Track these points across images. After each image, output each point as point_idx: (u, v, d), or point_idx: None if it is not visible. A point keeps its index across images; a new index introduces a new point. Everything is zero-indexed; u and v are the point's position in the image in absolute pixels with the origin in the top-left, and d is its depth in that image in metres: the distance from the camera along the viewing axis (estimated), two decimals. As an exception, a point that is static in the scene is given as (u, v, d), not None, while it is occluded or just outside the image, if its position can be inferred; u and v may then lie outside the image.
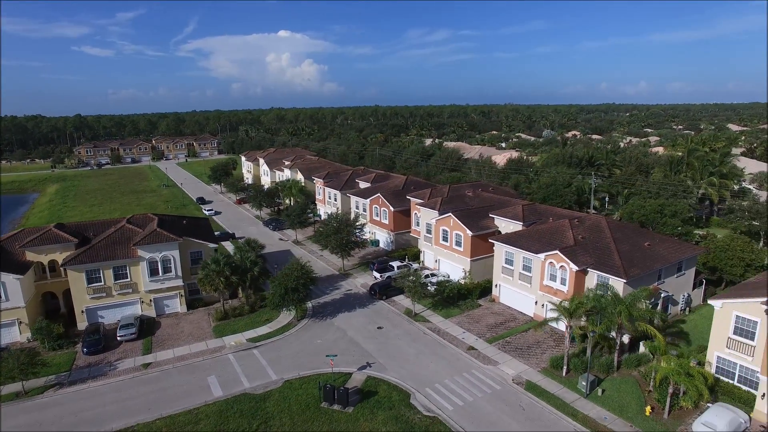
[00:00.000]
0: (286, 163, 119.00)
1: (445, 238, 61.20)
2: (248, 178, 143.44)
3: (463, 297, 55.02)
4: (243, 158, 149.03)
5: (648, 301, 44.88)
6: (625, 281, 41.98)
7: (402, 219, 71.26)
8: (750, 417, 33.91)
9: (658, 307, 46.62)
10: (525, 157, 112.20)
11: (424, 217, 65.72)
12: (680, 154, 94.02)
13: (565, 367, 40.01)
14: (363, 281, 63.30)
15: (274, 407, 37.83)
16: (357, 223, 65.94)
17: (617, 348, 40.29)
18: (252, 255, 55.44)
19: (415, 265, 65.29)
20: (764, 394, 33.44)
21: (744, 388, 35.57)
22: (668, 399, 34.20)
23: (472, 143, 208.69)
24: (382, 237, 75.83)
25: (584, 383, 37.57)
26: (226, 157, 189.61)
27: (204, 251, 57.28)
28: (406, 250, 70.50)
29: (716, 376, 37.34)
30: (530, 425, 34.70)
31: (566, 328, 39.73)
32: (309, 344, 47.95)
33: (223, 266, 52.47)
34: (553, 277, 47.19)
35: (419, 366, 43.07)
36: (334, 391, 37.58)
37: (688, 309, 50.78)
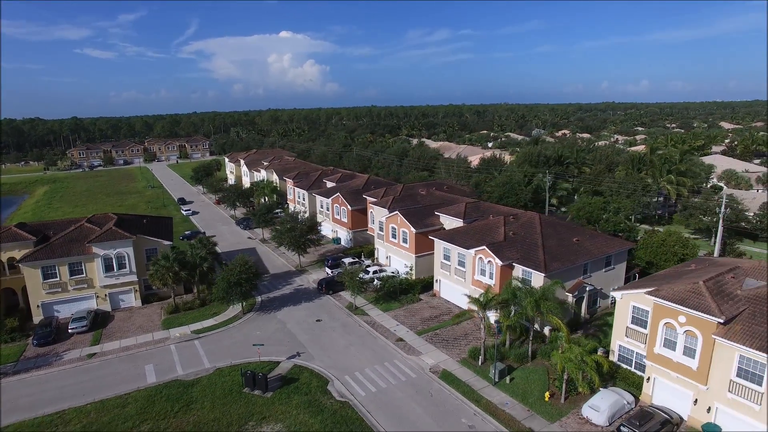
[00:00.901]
0: (265, 163, 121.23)
1: (394, 236, 63.20)
2: (231, 179, 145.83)
3: (405, 292, 56.97)
4: (226, 159, 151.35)
5: (572, 294, 46.90)
6: (544, 275, 43.79)
7: (359, 217, 73.28)
8: (638, 399, 35.80)
9: (584, 301, 48.43)
10: (498, 156, 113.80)
11: (377, 215, 67.74)
12: (642, 152, 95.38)
13: (481, 357, 41.90)
14: (316, 277, 65.38)
15: (199, 392, 40.04)
16: (312, 222, 67.92)
17: (530, 339, 42.08)
18: (202, 252, 57.58)
19: (368, 262, 67.34)
20: (649, 377, 35.24)
21: (639, 373, 37.42)
22: (564, 385, 36.04)
23: (459, 143, 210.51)
24: (343, 235, 77.89)
25: (494, 371, 39.45)
26: (211, 158, 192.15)
27: (159, 248, 59.47)
28: (363, 247, 72.51)
29: (617, 363, 39.22)
30: (433, 410, 36.66)
31: (481, 320, 41.61)
32: (249, 335, 50.13)
33: (173, 262, 54.79)
34: (482, 272, 49.09)
35: (346, 356, 45.16)
36: (254, 377, 39.75)
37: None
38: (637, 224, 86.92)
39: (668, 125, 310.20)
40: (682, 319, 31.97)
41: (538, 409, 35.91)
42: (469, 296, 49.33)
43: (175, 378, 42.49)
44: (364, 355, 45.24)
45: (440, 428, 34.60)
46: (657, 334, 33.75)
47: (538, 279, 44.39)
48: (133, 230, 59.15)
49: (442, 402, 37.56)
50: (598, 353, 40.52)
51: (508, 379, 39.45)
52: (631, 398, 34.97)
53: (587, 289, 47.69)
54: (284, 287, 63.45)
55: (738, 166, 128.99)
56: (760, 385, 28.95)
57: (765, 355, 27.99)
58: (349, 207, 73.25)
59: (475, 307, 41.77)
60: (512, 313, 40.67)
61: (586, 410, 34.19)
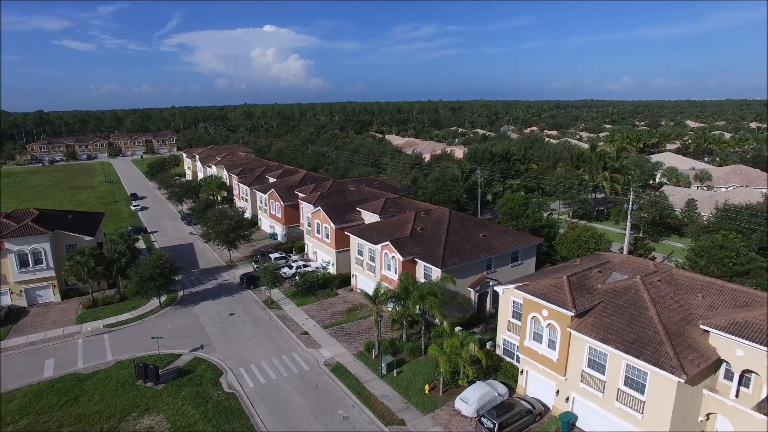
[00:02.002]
0: (218, 159, 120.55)
1: (318, 231, 63.65)
2: (189, 174, 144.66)
3: (324, 286, 57.49)
4: (184, 155, 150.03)
5: (474, 290, 47.90)
6: (441, 270, 44.62)
7: (293, 213, 73.57)
8: (514, 391, 36.91)
9: (488, 296, 49.46)
10: (449, 152, 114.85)
11: (305, 210, 68.07)
12: (582, 150, 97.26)
13: (374, 350, 42.61)
14: (243, 272, 65.50)
15: (92, 386, 40.14)
16: (239, 217, 67.96)
17: (422, 332, 42.91)
18: (121, 247, 57.28)
19: (295, 257, 67.70)
20: (523, 370, 36.32)
21: (518, 366, 38.45)
22: (441, 378, 36.92)
23: (426, 139, 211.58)
24: (279, 230, 78.06)
25: (383, 365, 40.19)
26: (168, 154, 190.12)
27: (80, 244, 58.98)
28: (296, 243, 72.82)
29: (502, 356, 40.25)
30: (315, 402, 37.30)
31: (374, 314, 42.29)
32: (160, 329, 50.20)
33: (88, 257, 54.45)
34: (388, 267, 49.83)
35: (247, 348, 45.62)
36: (146, 369, 39.97)
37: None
38: (576, 220, 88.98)
39: (637, 123, 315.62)
40: (545, 312, 33.03)
41: (415, 401, 36.74)
42: (364, 292, 50.46)
43: (72, 372, 42.45)
44: (265, 347, 45.72)
45: (316, 419, 35.26)
46: (527, 327, 34.79)
47: (437, 274, 45.24)
48: (51, 226, 58.67)
49: (326, 394, 38.20)
50: (487, 346, 41.75)
51: (395, 372, 40.22)
52: (504, 390, 36.00)
53: (491, 284, 48.67)
54: (209, 282, 63.51)
55: (686, 163, 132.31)
56: (604, 374, 30.10)
57: (605, 346, 29.12)
58: (281, 203, 73.46)
59: (365, 301, 42.37)
60: (402, 307, 41.36)
61: (458, 402, 35.12)
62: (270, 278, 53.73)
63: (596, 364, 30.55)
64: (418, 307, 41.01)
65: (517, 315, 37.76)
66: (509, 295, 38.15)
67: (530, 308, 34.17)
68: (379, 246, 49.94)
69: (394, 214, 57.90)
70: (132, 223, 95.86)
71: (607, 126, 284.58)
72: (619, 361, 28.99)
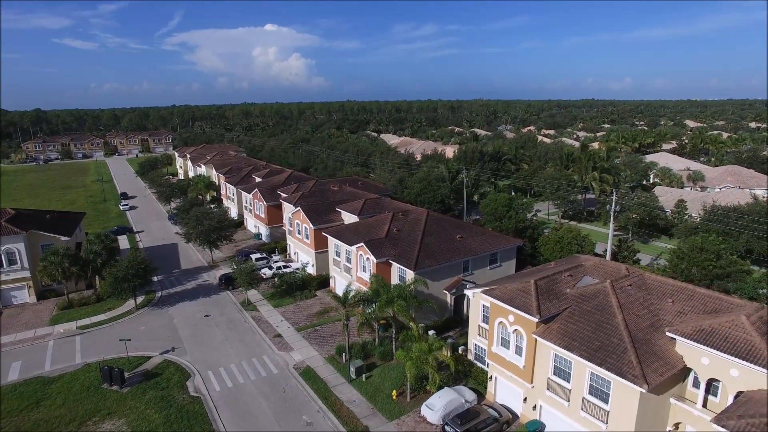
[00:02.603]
0: (208, 158, 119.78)
1: (299, 231, 62.81)
2: (181, 173, 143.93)
3: (302, 288, 56.64)
4: (176, 154, 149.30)
5: (450, 292, 46.98)
6: (414, 272, 43.72)
7: (276, 213, 72.74)
8: (484, 397, 36.00)
9: (465, 299, 48.46)
10: (440, 151, 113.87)
11: (286, 210, 67.23)
12: (572, 149, 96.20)
13: (345, 354, 41.73)
14: (224, 272, 64.69)
15: (56, 389, 39.36)
16: (220, 217, 67.17)
17: (393, 336, 42.00)
18: (97, 247, 56.48)
19: (277, 257, 66.87)
20: (491, 376, 35.42)
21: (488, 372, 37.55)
22: (408, 384, 36.02)
23: (422, 138, 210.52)
24: (263, 230, 77.24)
25: (352, 369, 39.33)
26: (160, 153, 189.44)
27: (56, 244, 58.19)
28: (278, 243, 72.01)
29: (474, 361, 39.35)
30: (280, 406, 36.47)
31: (343, 317, 41.40)
32: (133, 331, 49.40)
33: (62, 258, 53.67)
34: (363, 268, 48.97)
35: (218, 351, 44.81)
36: (110, 372, 39.17)
37: (507, 298, 52.75)
38: (566, 221, 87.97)
39: (636, 123, 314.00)
40: (511, 318, 32.13)
41: (382, 407, 35.88)
42: (334, 295, 49.56)
43: (38, 375, 41.69)
44: (236, 350, 44.90)
45: (279, 424, 34.44)
46: (494, 332, 33.90)
47: (410, 276, 44.35)
48: (27, 226, 57.96)
49: (292, 399, 37.37)
50: (459, 351, 40.87)
51: (364, 376, 39.36)
52: (472, 397, 35.12)
53: (467, 286, 47.62)
54: (189, 282, 62.71)
55: (681, 164, 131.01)
56: (569, 382, 29.20)
57: (570, 353, 28.21)
58: (264, 203, 72.64)
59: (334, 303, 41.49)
60: (372, 310, 40.47)
61: (424, 409, 34.26)
62: (246, 279, 52.92)
63: (562, 371, 29.65)
64: (389, 310, 40.06)
65: (487, 319, 36.83)
66: (479, 299, 37.25)
67: (497, 313, 33.27)
68: (354, 247, 49.10)
69: (373, 215, 57.01)
70: (119, 223, 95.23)
71: (606, 125, 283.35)
72: (583, 369, 28.09)
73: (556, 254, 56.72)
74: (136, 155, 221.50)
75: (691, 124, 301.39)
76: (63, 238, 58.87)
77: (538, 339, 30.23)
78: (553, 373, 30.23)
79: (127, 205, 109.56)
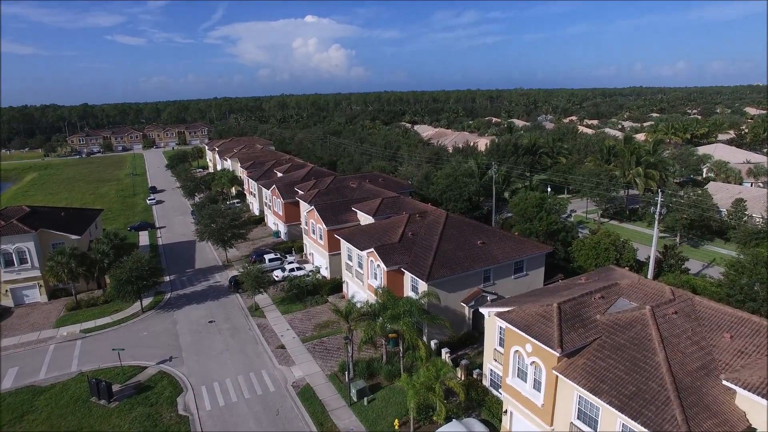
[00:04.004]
0: (235, 150, 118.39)
1: (313, 231, 59.38)
2: (210, 167, 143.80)
3: (313, 293, 53.23)
4: (206, 147, 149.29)
5: (468, 305, 42.33)
6: (427, 283, 39.31)
7: (293, 210, 69.57)
8: (497, 431, 31.39)
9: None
10: (473, 144, 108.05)
11: (302, 208, 63.91)
12: (613, 142, 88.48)
13: (348, 373, 37.83)
14: (235, 274, 62.13)
15: (44, 401, 37.52)
16: (235, 215, 64.59)
17: (401, 355, 37.78)
18: (105, 246, 54.83)
19: (291, 258, 63.73)
20: (506, 410, 30.72)
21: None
22: (411, 413, 31.77)
23: (458, 129, 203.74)
24: (281, 228, 74.39)
25: (353, 391, 35.52)
26: (192, 146, 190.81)
27: (66, 242, 57.08)
28: (296, 242, 68.89)
29: (489, 388, 34.72)
30: (270, 430, 33.05)
31: (347, 331, 37.51)
32: (134, 336, 47.45)
33: (69, 258, 52.25)
34: (375, 276, 44.91)
35: (216, 362, 42.02)
36: (98, 386, 36.91)
37: (535, 310, 47.53)
38: (606, 220, 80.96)
39: (689, 111, 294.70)
40: (528, 347, 27.34)
41: (382, 437, 31.90)
42: (367, 302, 45.81)
43: (31, 384, 40.02)
44: (234, 362, 41.92)
45: (266, 456, 31.04)
46: (510, 361, 29.17)
47: (422, 289, 39.96)
48: (39, 224, 57.05)
49: (284, 423, 33.93)
50: (474, 375, 36.31)
51: (366, 399, 35.45)
52: (483, 431, 30.54)
53: (488, 298, 42.87)
54: (200, 283, 60.51)
55: (740, 156, 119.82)
56: (595, 431, 24.24)
57: (596, 397, 23.25)
58: (281, 199, 69.61)
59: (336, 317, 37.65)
60: (378, 324, 36.33)
61: (428, 443, 30.01)
62: (252, 284, 49.90)
63: (587, 417, 24.71)
64: (396, 326, 35.86)
65: (503, 343, 32.07)
66: (494, 320, 32.49)
67: (513, 340, 28.51)
68: (365, 252, 45.07)
69: (389, 216, 52.76)
70: (144, 218, 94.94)
71: (654, 115, 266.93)
72: (613, 418, 23.07)
73: (592, 261, 50.93)
74: (173, 148, 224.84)
75: (752, 111, 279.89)
76: (73, 236, 57.65)
77: (560, 376, 25.35)
78: (577, 417, 25.31)
79: (154, 199, 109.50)
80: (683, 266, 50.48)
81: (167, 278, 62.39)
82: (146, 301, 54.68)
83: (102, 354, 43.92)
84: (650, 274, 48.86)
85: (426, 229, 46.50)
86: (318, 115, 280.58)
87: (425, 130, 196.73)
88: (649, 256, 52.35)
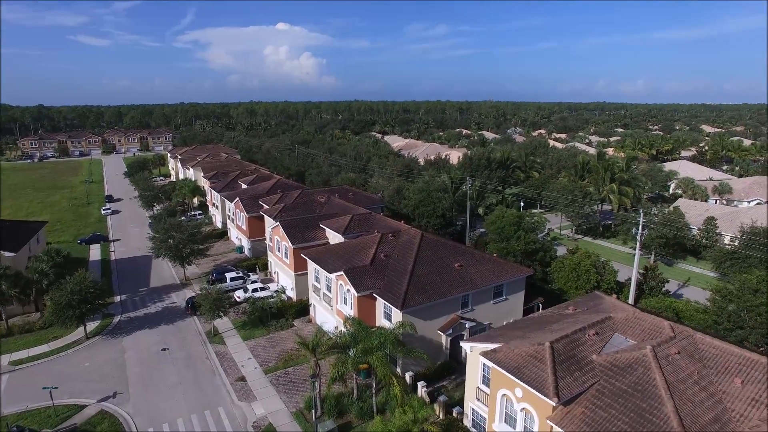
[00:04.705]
0: (198, 159, 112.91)
1: (278, 249, 55.48)
2: (173, 175, 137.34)
3: (277, 316, 49.28)
4: (168, 155, 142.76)
5: (446, 333, 39.33)
6: (401, 311, 36.13)
7: (258, 225, 65.41)
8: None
9: (465, 338, 40.85)
10: (444, 157, 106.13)
11: (267, 224, 59.94)
12: (587, 158, 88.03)
13: (314, 411, 34.21)
14: (192, 294, 57.47)
15: (-42, 453, 32.18)
16: (194, 230, 59.97)
17: (373, 391, 34.41)
18: (44, 265, 49.45)
19: (255, 277, 59.51)
20: (491, 456, 27.72)
21: (488, 446, 29.86)
22: (385, 457, 28.45)
23: (428, 141, 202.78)
24: (245, 243, 69.99)
25: (321, 432, 31.89)
26: (153, 153, 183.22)
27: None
28: (260, 259, 64.65)
29: (471, 429, 31.68)
30: (224, 487, 29.07)
31: (313, 366, 33.86)
32: (74, 368, 42.32)
33: (0, 278, 46.74)
34: (344, 301, 41.47)
35: (168, 399, 37.53)
36: (19, 434, 32.01)
37: (514, 336, 44.99)
38: (579, 236, 79.95)
39: (650, 127, 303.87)
40: (518, 392, 24.51)
41: (353, 490, 28.37)
42: (336, 327, 42.39)
43: (-57, 430, 34.59)
44: (188, 398, 37.54)
45: None
46: (496, 406, 26.24)
47: (397, 318, 36.78)
48: (-30, 238, 51.11)
49: (242, 475, 29.95)
50: (454, 413, 33.22)
51: (334, 443, 31.86)
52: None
53: (467, 326, 40.07)
54: (154, 305, 55.57)
55: (702, 173, 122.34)
56: (597, 491, 21.47)
57: (598, 454, 20.51)
58: (245, 213, 65.35)
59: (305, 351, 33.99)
60: (349, 359, 32.87)
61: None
62: (210, 308, 45.55)
63: (586, 473, 21.91)
64: (366, 359, 32.48)
65: (487, 381, 29.17)
66: (478, 355, 29.55)
67: (500, 382, 25.63)
68: (333, 275, 41.60)
69: (360, 234, 49.47)
70: (97, 229, 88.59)
71: (619, 130, 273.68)
72: (617, 478, 20.35)
73: (572, 283, 48.94)
74: (134, 154, 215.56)
75: (707, 129, 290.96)
76: (7, 254, 51.78)
77: (555, 427, 22.53)
78: (575, 474, 22.50)
79: (109, 209, 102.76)
80: (663, 289, 49.01)
81: (117, 298, 57.22)
82: (92, 326, 49.48)
83: (33, 391, 38.59)
84: (631, 297, 47.17)
85: (400, 250, 43.43)
86: (287, 123, 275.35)
87: (395, 141, 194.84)
88: (630, 278, 50.78)
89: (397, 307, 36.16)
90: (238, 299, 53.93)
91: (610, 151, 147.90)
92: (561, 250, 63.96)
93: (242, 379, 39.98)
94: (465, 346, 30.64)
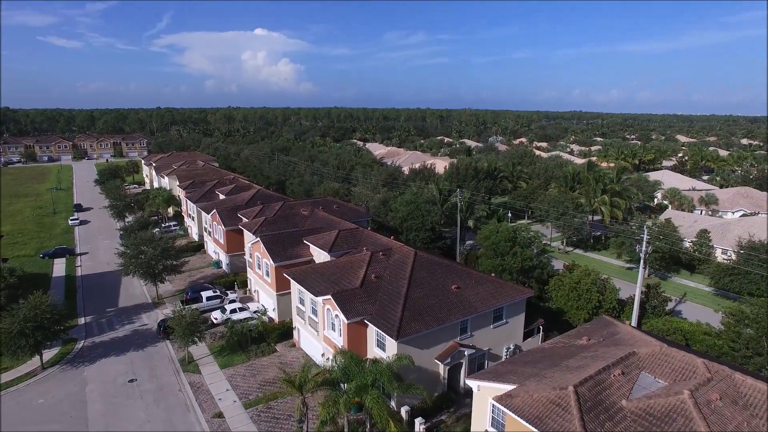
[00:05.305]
0: (174, 167, 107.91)
1: (259, 266, 51.63)
2: (147, 183, 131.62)
3: (258, 340, 45.40)
4: (143, 162, 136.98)
5: (443, 362, 36.08)
6: (397, 341, 32.78)
7: (236, 239, 61.39)
8: None
9: (462, 368, 37.70)
10: (429, 166, 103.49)
11: (247, 238, 56.02)
12: (578, 169, 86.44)
13: (301, 454, 30.58)
14: (164, 316, 53.05)
15: None
16: (167, 245, 55.60)
17: (367, 429, 30.95)
18: (-5, 286, 44.67)
19: (233, 296, 55.41)
20: None
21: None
22: None
23: (410, 148, 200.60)
24: (223, 258, 65.75)
25: (308, 481, 28.23)
26: (127, 160, 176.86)
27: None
28: (239, 275, 60.55)
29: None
30: None
31: (300, 408, 30.19)
32: (26, 406, 37.59)
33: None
34: (333, 327, 37.95)
35: (131, 445, 33.28)
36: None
37: (514, 361, 42.02)
38: (570, 249, 77.98)
39: (628, 136, 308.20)
40: (540, 442, 21.30)
41: None
42: (323, 354, 38.84)
43: None
44: (156, 443, 33.44)
45: None
46: (511, 454, 23.07)
47: (391, 347, 33.44)
48: None
49: None
50: (457, 454, 29.95)
51: (324, 495, 28.26)
52: None
53: (466, 353, 36.97)
54: (123, 327, 51.02)
55: (685, 183, 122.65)
56: None
57: None
58: (223, 227, 61.28)
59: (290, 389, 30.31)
60: (341, 399, 29.33)
61: None
62: (183, 333, 41.41)
63: None
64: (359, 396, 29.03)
65: (498, 425, 26.04)
66: (487, 396, 26.39)
67: None
68: (320, 299, 38.06)
69: (347, 251, 46.06)
70: (63, 241, 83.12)
71: (598, 139, 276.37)
72: None
73: (573, 302, 46.37)
74: (107, 160, 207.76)
75: (682, 138, 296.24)
76: (-43, 272, 46.91)
77: (585, 487, 19.46)
78: None
79: (77, 219, 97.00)
80: (665, 309, 46.84)
81: (82, 320, 52.52)
82: (50, 354, 44.76)
83: (-21, 433, 34.18)
84: (634, 319, 44.83)
85: (391, 270, 40.14)
86: (266, 129, 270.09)
87: (377, 149, 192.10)
88: (631, 297, 48.54)
89: (392, 336, 32.81)
90: (215, 321, 49.84)
91: (594, 159, 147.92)
92: (554, 264, 61.66)
93: (220, 415, 35.99)
94: (472, 384, 27.45)
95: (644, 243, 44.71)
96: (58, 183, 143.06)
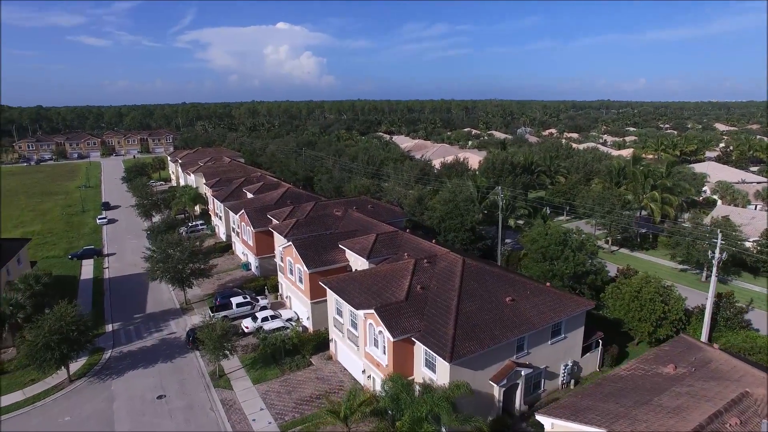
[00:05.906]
0: (200, 164, 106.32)
1: (291, 271, 48.81)
2: (173, 180, 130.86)
3: (292, 352, 42.62)
4: (169, 158, 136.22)
5: (499, 384, 32.55)
6: (450, 363, 29.37)
7: (266, 241, 58.76)
8: None
9: (518, 389, 34.16)
10: (463, 160, 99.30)
11: (277, 241, 53.29)
12: (622, 163, 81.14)
13: (345, 491, 27.57)
14: (197, 320, 50.82)
15: None
16: (194, 249, 53.29)
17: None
18: (19, 296, 42.81)
19: (264, 302, 52.75)
20: None
21: None
22: None
23: (437, 141, 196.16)
24: (252, 260, 63.33)
25: None
26: (153, 156, 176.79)
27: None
28: (270, 279, 57.96)
29: None
30: None
31: (344, 436, 27.20)
32: (52, 423, 35.64)
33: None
34: (375, 343, 34.75)
35: (161, 473, 30.82)
36: None
37: (573, 381, 38.26)
38: (615, 248, 73.15)
39: (661, 125, 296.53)
40: (640, 503, 17.64)
41: None
42: (363, 371, 35.78)
43: None
44: (187, 471, 30.92)
45: None
46: None
47: (443, 369, 30.04)
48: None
49: None
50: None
51: None
52: None
53: (522, 373, 33.38)
54: (151, 335, 49.02)
55: (733, 175, 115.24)
56: None
57: None
58: (252, 228, 58.69)
59: (331, 419, 27.22)
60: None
61: None
62: (213, 347, 38.79)
63: None
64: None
65: (577, 468, 22.42)
66: (563, 432, 22.82)
67: (612, 488, 18.81)
68: (361, 312, 34.86)
69: (387, 257, 42.80)
70: (92, 240, 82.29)
71: (631, 129, 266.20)
72: None
73: (634, 314, 42.11)
74: (134, 156, 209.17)
75: (721, 127, 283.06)
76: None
77: None
78: None
79: (105, 218, 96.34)
80: (741, 320, 42.20)
81: (109, 327, 50.74)
82: (77, 365, 42.82)
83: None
84: (705, 334, 40.42)
85: (438, 280, 36.67)
86: (290, 123, 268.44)
87: (403, 142, 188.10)
88: (700, 306, 43.99)
89: (445, 359, 29.37)
90: (246, 329, 47.28)
91: (627, 151, 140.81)
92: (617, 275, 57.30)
93: (253, 439, 33.37)
94: (544, 421, 23.93)
95: (717, 248, 40.04)
96: (87, 180, 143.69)
